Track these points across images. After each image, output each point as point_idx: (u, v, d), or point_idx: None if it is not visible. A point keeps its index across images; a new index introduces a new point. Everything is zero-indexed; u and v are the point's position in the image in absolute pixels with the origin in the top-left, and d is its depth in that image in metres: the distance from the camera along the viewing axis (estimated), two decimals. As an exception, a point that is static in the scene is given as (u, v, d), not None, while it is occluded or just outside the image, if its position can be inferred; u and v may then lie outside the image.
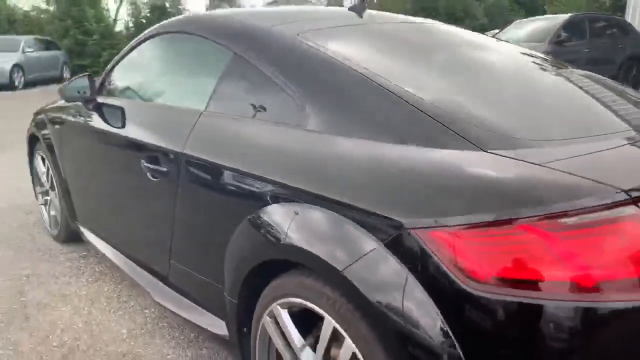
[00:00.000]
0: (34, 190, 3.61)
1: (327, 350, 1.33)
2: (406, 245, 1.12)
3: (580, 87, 1.83)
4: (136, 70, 2.54)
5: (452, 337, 1.05)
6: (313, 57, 1.61)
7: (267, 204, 1.46)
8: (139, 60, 2.48)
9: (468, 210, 1.07)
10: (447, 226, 1.07)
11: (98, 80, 2.64)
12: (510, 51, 2.12)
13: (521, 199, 1.06)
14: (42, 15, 19.54)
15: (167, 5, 17.75)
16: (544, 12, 17.36)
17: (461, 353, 1.04)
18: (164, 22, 2.36)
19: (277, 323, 1.48)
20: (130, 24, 18.32)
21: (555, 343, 1.01)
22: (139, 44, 2.46)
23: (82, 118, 2.62)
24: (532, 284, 1.02)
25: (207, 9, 32.84)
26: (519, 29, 10.12)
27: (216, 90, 1.86)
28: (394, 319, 1.12)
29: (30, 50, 14.25)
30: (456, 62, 1.82)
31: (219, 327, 1.78)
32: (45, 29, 17.87)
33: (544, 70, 1.99)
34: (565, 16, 10.07)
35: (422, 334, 1.09)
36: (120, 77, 2.58)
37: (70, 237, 3.15)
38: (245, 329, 1.65)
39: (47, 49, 15.33)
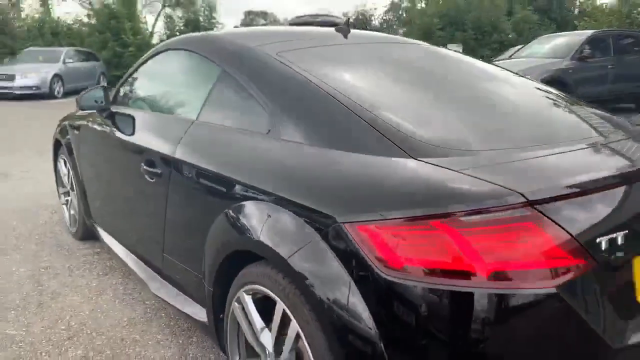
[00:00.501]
0: (57, 191, 3.92)
1: (281, 331, 1.52)
2: (338, 237, 1.30)
3: (531, 100, 1.99)
4: (144, 82, 2.80)
5: (371, 316, 1.22)
6: (284, 74, 1.81)
7: (236, 201, 1.66)
8: (147, 74, 2.74)
9: (388, 209, 1.25)
10: (370, 221, 1.25)
11: (113, 91, 2.92)
12: (471, 66, 2.28)
13: (434, 200, 1.23)
14: (83, 28, 20.49)
15: (201, 19, 18.35)
16: (575, 28, 17.20)
17: (378, 330, 1.21)
18: (169, 40, 2.61)
19: (243, 308, 1.67)
20: (165, 37, 19.01)
21: (450, 320, 1.17)
22: (148, 59, 2.72)
23: (96, 125, 2.90)
24: (439, 273, 1.18)
25: (241, 24, 33.64)
26: (542, 45, 10.11)
27: (206, 101, 2.09)
28: (327, 302, 1.30)
29: (70, 61, 15.00)
30: (417, 79, 1.99)
31: (202, 315, 1.98)
32: (86, 41, 18.74)
33: (498, 83, 2.14)
34: (588, 32, 10.02)
35: (348, 315, 1.26)
36: (130, 88, 2.85)
37: (87, 234, 3.42)
38: (221, 315, 1.84)
39: (86, 60, 16.09)
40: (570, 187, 1.25)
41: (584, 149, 1.52)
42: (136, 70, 2.82)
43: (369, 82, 1.87)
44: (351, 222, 1.27)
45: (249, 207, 1.60)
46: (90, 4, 21.09)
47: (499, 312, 1.16)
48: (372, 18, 19.69)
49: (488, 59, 13.60)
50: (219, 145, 1.89)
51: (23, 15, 23.89)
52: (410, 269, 1.19)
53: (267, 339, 1.58)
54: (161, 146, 2.15)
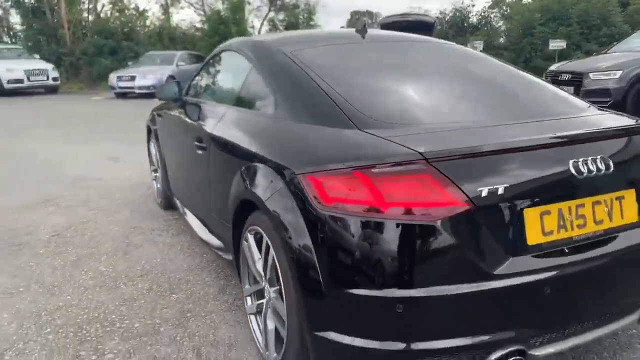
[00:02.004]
0: (150, 169, 4.76)
1: (266, 259, 2.03)
2: (294, 184, 1.77)
3: (497, 84, 2.32)
4: (205, 77, 3.45)
5: (311, 238, 1.68)
6: (288, 67, 2.31)
7: (245, 164, 2.20)
8: (208, 70, 3.39)
9: (327, 163, 1.70)
10: (313, 172, 1.71)
11: (186, 85, 3.61)
12: (461, 57, 2.63)
13: (358, 158, 1.66)
14: (196, 33, 22.45)
15: (300, 22, 19.32)
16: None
17: (313, 247, 1.67)
18: (225, 43, 3.22)
19: (249, 245, 2.21)
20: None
21: (361, 241, 1.59)
22: (211, 58, 3.36)
23: (171, 113, 3.62)
24: (356, 208, 1.61)
25: (347, 24, 34.27)
26: (640, 38, 9.56)
27: (240, 91, 2.66)
28: (286, 230, 1.78)
29: (182, 63, 16.65)
30: (398, 68, 2.38)
31: (229, 255, 2.56)
32: (197, 45, 20.54)
33: (477, 72, 2.46)
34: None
35: (298, 238, 1.73)
36: (196, 82, 3.52)
37: (168, 204, 4.18)
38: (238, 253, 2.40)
39: (196, 62, 17.69)
40: (464, 149, 1.62)
41: (505, 124, 1.86)
42: (203, 67, 3.48)
43: (353, 73, 2.30)
44: (302, 173, 1.75)
45: (250, 167, 2.13)
46: (203, 11, 23.03)
47: (393, 238, 1.57)
48: (470, 15, 19.39)
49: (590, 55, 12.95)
50: (242, 124, 2.45)
51: (147, 22, 26.62)
52: (337, 205, 1.64)
53: (260, 265, 2.11)
54: (207, 127, 2.76)
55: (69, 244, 3.62)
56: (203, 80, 3.48)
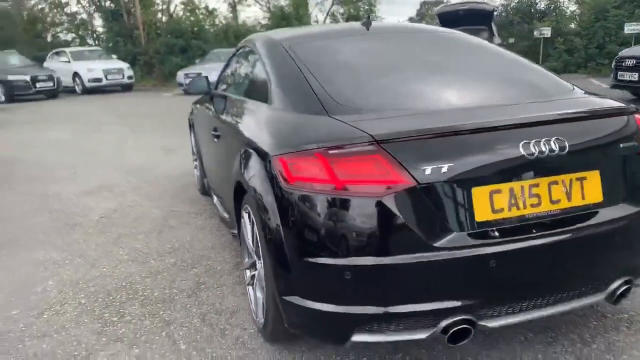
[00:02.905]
0: (192, 158, 5.13)
1: (254, 234, 2.25)
2: (269, 165, 1.98)
3: (478, 69, 2.41)
4: (227, 72, 3.72)
5: (278, 211, 1.88)
6: (283, 59, 2.50)
7: (241, 149, 2.42)
8: (230, 65, 3.65)
9: (295, 146, 1.89)
10: (282, 154, 1.90)
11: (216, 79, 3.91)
12: (453, 45, 2.74)
13: (320, 139, 1.83)
14: (260, 30, 23.10)
15: (361, 14, 19.34)
16: None
17: (279, 219, 1.87)
18: (243, 40, 3.47)
19: (244, 221, 2.44)
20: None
21: (316, 214, 1.77)
22: (234, 54, 3.62)
23: (201, 106, 3.92)
24: (314, 185, 1.79)
25: (416, 14, 33.74)
26: None
27: (248, 82, 2.90)
28: (263, 209, 1.99)
29: (245, 59, 17.23)
30: (386, 59, 2.49)
31: (235, 231, 2.81)
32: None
33: (462, 59, 2.55)
34: None
35: (268, 212, 1.94)
36: (222, 76, 3.80)
37: (205, 190, 4.51)
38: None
39: (259, 58, 18.27)
40: (412, 132, 1.75)
41: (467, 108, 1.97)
42: (228, 62, 3.76)
43: (340, 64, 2.45)
44: (275, 155, 1.95)
45: (244, 152, 2.36)
46: (268, 8, 23.65)
47: (343, 212, 1.74)
48: (537, 0, 18.53)
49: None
50: (244, 114, 2.68)
51: (216, 21, 27.67)
52: (298, 184, 1.83)
53: (251, 240, 2.33)
54: (220, 117, 3.03)
55: (114, 225, 4.03)
56: (226, 75, 3.76)
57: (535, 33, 16.90)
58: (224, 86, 3.70)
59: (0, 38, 22.25)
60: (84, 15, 29.30)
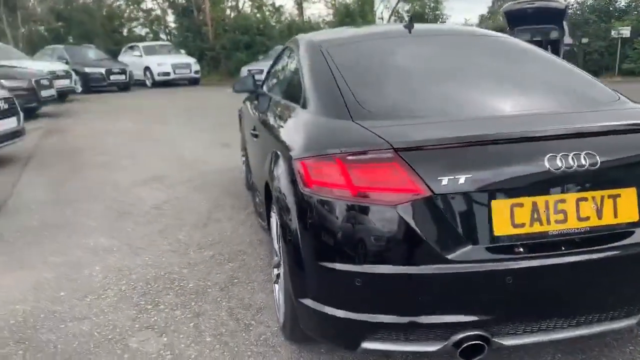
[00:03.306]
0: (241, 154, 5.26)
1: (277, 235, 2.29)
2: (291, 167, 2.00)
3: (510, 73, 2.32)
4: (271, 71, 3.78)
5: (297, 212, 1.91)
6: (318, 61, 2.51)
7: (272, 149, 2.46)
8: (274, 65, 3.71)
9: (313, 150, 1.90)
10: (302, 158, 1.92)
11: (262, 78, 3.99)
12: (491, 52, 2.64)
13: (341, 144, 1.84)
14: (324, 26, 23.22)
15: (427, 11, 19.01)
16: None
17: (298, 219, 1.89)
18: (289, 40, 3.52)
19: (272, 221, 2.49)
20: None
21: (332, 218, 1.78)
22: (279, 54, 3.68)
23: (247, 103, 4.02)
24: (331, 190, 1.80)
25: (488, 10, 32.72)
26: None
27: (286, 83, 2.94)
28: (284, 210, 2.02)
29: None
30: (420, 65, 2.45)
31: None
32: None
33: (490, 60, 2.46)
34: None
35: (288, 211, 1.97)
36: (267, 76, 3.87)
37: (250, 185, 4.62)
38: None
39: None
40: (431, 141, 1.72)
41: (494, 118, 1.91)
42: (274, 62, 3.82)
43: (373, 68, 2.43)
44: (296, 158, 1.97)
45: (274, 153, 2.40)
46: (332, 4, 23.73)
47: (358, 219, 1.74)
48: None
49: None
50: (279, 114, 2.73)
51: (282, 18, 28.09)
52: (316, 188, 1.84)
53: (276, 240, 2.38)
54: (259, 116, 3.09)
55: (162, 215, 4.22)
56: (270, 74, 3.83)
57: (613, 33, 15.91)
58: (268, 86, 3.77)
59: (80, 32, 23.68)
60: (159, 12, 30.60)
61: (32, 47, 21.45)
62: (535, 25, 13.06)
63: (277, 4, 28.60)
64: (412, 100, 2.15)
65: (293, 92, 2.75)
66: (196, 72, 19.66)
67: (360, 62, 2.49)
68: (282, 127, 2.50)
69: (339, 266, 1.77)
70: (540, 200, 1.72)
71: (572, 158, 1.70)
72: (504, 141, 1.73)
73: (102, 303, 2.78)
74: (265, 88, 3.78)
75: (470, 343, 1.72)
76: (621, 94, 2.27)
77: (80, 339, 2.44)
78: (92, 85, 16.82)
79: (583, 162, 1.71)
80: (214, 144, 7.43)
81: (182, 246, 3.55)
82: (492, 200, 1.70)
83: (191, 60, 19.78)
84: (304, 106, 2.38)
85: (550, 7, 12.09)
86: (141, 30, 29.84)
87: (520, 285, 1.70)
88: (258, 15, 25.03)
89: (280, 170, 2.16)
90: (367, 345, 1.79)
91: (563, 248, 1.73)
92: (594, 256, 1.74)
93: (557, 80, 2.38)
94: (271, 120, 2.76)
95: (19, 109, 6.68)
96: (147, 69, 19.03)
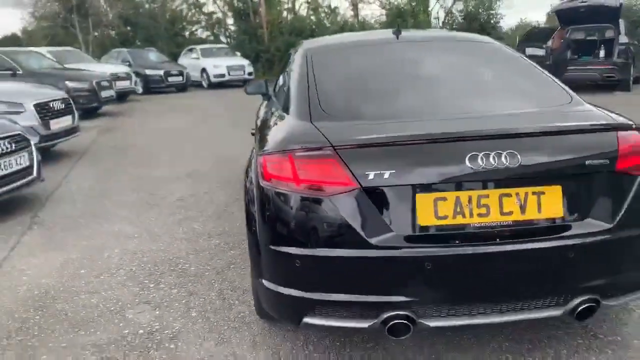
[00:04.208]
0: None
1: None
2: (257, 163, 2.26)
3: (477, 77, 2.47)
4: (281, 76, 4.04)
5: (258, 203, 2.16)
6: (301, 68, 2.74)
7: (254, 146, 2.73)
8: (284, 69, 3.97)
9: (273, 147, 2.15)
10: (263, 153, 2.18)
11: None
12: (463, 52, 2.78)
13: (294, 142, 2.07)
14: (376, 27, 23.32)
15: (481, 11, 18.68)
16: None
17: (259, 209, 2.14)
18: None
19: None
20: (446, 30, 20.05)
21: (281, 207, 2.02)
22: (287, 58, 3.94)
23: (261, 105, 4.31)
24: (281, 183, 2.04)
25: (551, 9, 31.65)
26: None
27: (279, 86, 3.20)
28: (249, 201, 2.29)
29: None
30: (388, 69, 2.62)
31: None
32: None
33: (466, 73, 2.61)
34: None
35: (251, 202, 2.23)
36: (277, 80, 4.14)
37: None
38: None
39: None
40: (364, 140, 1.93)
41: (433, 119, 2.09)
42: (284, 66, 4.09)
43: (343, 73, 2.63)
44: (259, 155, 2.23)
45: (252, 150, 2.66)
46: (384, 5, 23.80)
47: (299, 208, 1.97)
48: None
49: None
50: (269, 117, 2.99)
51: (338, 19, 28.40)
52: (272, 181, 2.08)
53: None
54: (257, 118, 3.37)
55: (184, 207, 4.60)
56: (280, 79, 4.10)
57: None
58: (274, 89, 4.05)
59: (146, 36, 25.04)
60: (220, 15, 31.76)
61: (103, 50, 22.91)
62: (588, 25, 12.62)
63: (332, 6, 29.03)
64: (368, 103, 2.35)
65: (282, 95, 3.01)
66: (249, 73, 20.29)
67: (335, 68, 2.70)
68: (263, 127, 2.76)
69: (283, 249, 2.01)
70: (463, 195, 1.89)
71: (494, 157, 1.86)
72: (427, 141, 1.92)
73: (112, 280, 3.15)
74: (271, 91, 4.06)
75: (397, 322, 1.91)
76: (579, 97, 2.36)
77: (87, 309, 2.81)
78: (152, 87, 17.77)
79: (504, 161, 1.86)
80: (250, 142, 7.78)
81: (194, 235, 3.89)
82: (417, 194, 1.88)
83: (245, 62, 20.44)
84: (285, 110, 2.61)
85: (603, 4, 11.62)
86: (202, 34, 31.08)
87: (440, 271, 1.88)
88: (313, 17, 25.44)
89: (252, 166, 2.43)
90: (308, 320, 2.02)
91: (484, 239, 1.89)
92: (517, 248, 1.89)
93: (517, 84, 2.50)
94: (259, 122, 3.03)
95: (74, 108, 7.35)
96: (203, 70, 19.85)
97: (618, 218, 1.94)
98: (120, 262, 3.44)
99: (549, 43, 12.21)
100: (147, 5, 29.32)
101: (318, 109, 2.28)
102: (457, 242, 1.88)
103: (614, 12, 11.71)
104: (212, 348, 2.40)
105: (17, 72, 10.67)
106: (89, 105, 11.35)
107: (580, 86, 12.58)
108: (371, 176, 1.88)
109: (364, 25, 24.30)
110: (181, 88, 18.54)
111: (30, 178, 4.70)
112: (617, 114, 2.22)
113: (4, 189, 4.33)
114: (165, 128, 9.72)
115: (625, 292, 2.05)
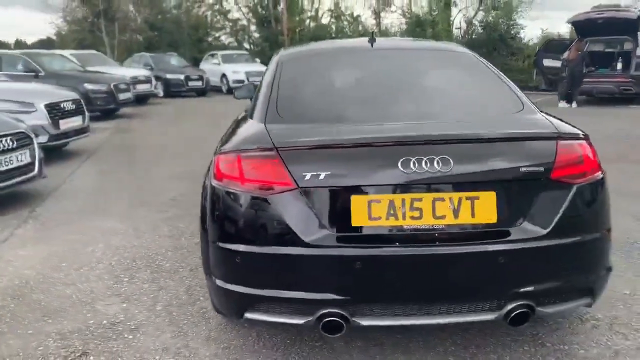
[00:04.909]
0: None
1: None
2: (212, 163, 2.35)
3: (432, 85, 2.51)
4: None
5: (208, 200, 2.25)
6: (271, 74, 2.81)
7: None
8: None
9: (226, 148, 2.24)
10: (217, 154, 2.27)
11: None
12: (426, 60, 2.82)
13: (243, 143, 2.16)
14: (394, 35, 23.36)
15: (501, 22, 18.53)
16: None
17: (208, 206, 2.23)
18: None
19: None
20: (461, 43, 19.93)
21: (230, 205, 2.09)
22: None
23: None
24: (229, 181, 2.13)
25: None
26: None
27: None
28: (204, 194, 2.37)
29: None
30: (351, 77, 2.69)
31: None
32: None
33: (420, 73, 2.66)
34: None
35: (203, 200, 2.31)
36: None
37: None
38: None
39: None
40: (304, 142, 2.00)
41: (374, 124, 2.15)
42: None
43: (305, 79, 2.70)
44: (215, 155, 2.32)
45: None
46: (404, 14, 23.77)
47: (241, 206, 2.05)
48: None
49: None
50: (237, 120, 3.07)
51: (359, 27, 28.52)
52: (223, 180, 2.17)
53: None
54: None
55: (175, 206, 4.73)
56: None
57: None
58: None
59: (168, 41, 25.56)
60: (244, 22, 32.24)
61: (129, 55, 23.44)
62: (606, 37, 12.44)
63: (355, 14, 29.16)
64: (322, 107, 2.43)
65: (253, 100, 3.10)
66: (268, 79, 20.51)
67: (300, 74, 2.77)
68: (227, 130, 2.84)
69: (226, 246, 2.09)
70: (397, 198, 1.94)
71: (426, 162, 1.91)
72: (361, 145, 1.98)
73: (90, 273, 3.28)
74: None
75: (331, 319, 1.97)
76: (532, 106, 2.38)
77: (61, 299, 2.94)
78: (172, 90, 18.15)
79: (437, 166, 1.91)
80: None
81: (178, 233, 4.00)
82: (352, 195, 1.95)
83: (264, 68, 20.48)
84: (250, 114, 2.68)
85: (620, 17, 11.45)
86: (226, 40, 31.56)
87: (372, 271, 1.93)
88: (334, 25, 25.63)
89: (210, 163, 2.52)
90: (248, 315, 2.10)
91: (417, 242, 1.94)
92: (449, 251, 1.93)
93: (474, 92, 2.54)
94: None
95: (84, 109, 7.59)
96: (223, 75, 20.16)
97: (552, 225, 1.96)
98: (102, 256, 3.56)
99: (565, 54, 12.05)
100: (174, 11, 29.96)
101: (274, 113, 2.36)
102: (389, 243, 1.94)
103: (632, 24, 11.53)
104: (168, 340, 2.49)
105: (40, 73, 11.09)
106: (106, 106, 11.69)
107: (596, 99, 12.41)
108: (308, 177, 1.95)
109: (386, 34, 24.35)
110: (201, 92, 18.87)
111: (31, 175, 4.90)
112: (569, 124, 2.25)
113: (4, 184, 4.52)
114: (177, 130, 9.94)
115: (562, 301, 2.07)
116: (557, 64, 12.75)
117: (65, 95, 7.35)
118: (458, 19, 22.76)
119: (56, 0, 26.92)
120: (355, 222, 1.94)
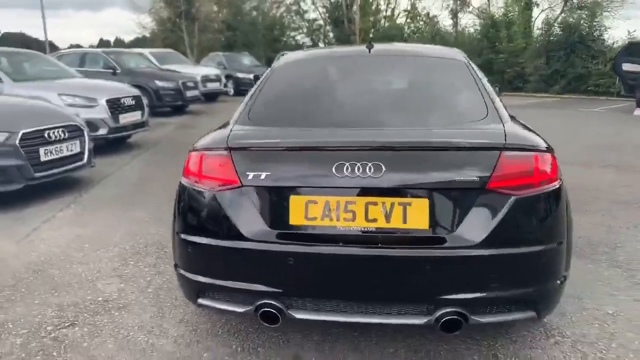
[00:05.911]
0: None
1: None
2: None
3: (406, 93, 2.57)
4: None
5: (176, 196, 2.45)
6: (263, 80, 2.97)
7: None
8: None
9: (197, 146, 2.42)
10: (190, 152, 2.46)
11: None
12: (416, 68, 2.84)
13: (209, 143, 2.34)
14: (469, 36, 22.72)
15: (582, 23, 17.46)
16: None
17: (175, 201, 2.43)
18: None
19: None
20: (538, 44, 18.95)
21: (196, 201, 2.27)
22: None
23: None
24: (192, 177, 2.31)
25: None
26: None
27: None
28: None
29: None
30: (339, 82, 2.78)
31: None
32: (464, 47, 20.80)
33: (407, 88, 2.70)
34: None
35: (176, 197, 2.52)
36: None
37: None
38: None
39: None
40: (252, 144, 2.14)
41: (330, 129, 2.24)
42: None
43: (292, 83, 2.81)
44: (189, 152, 2.51)
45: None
46: (479, 15, 23.07)
47: (195, 200, 2.23)
48: None
49: None
50: None
51: (435, 28, 28.05)
52: (188, 176, 2.36)
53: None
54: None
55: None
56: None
57: None
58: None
59: (244, 41, 26.57)
60: (321, 22, 32.77)
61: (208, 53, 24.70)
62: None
63: (431, 14, 28.72)
64: (289, 111, 2.54)
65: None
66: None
67: (286, 79, 2.90)
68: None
69: (184, 237, 2.28)
70: (332, 200, 2.03)
71: (359, 167, 1.99)
72: (299, 149, 2.09)
73: (104, 255, 3.62)
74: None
75: (268, 310, 2.10)
76: (498, 114, 2.35)
77: (71, 276, 3.28)
78: (242, 89, 18.85)
79: (368, 171, 1.98)
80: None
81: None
82: (291, 196, 2.06)
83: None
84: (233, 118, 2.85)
85: None
86: (301, 40, 32.24)
87: (303, 268, 2.04)
88: (408, 26, 25.41)
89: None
90: (201, 301, 2.28)
91: (348, 242, 2.02)
92: (378, 253, 2.00)
93: (444, 100, 2.55)
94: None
95: (144, 104, 8.16)
96: (292, 75, 20.66)
97: (486, 236, 1.97)
98: (120, 240, 3.90)
99: (646, 59, 11.23)
100: (254, 13, 31.06)
101: (245, 116, 2.52)
102: (322, 242, 2.03)
103: None
104: (147, 319, 2.73)
105: (117, 70, 11.99)
106: (174, 103, 12.43)
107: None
108: (250, 176, 2.09)
109: (456, 35, 23.78)
110: (268, 91, 19.46)
111: (79, 163, 5.40)
112: (535, 136, 2.21)
113: (53, 171, 5.04)
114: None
115: (498, 312, 2.06)
116: (638, 68, 11.89)
117: (126, 92, 7.95)
118: (540, 20, 21.74)
119: (144, 1, 28.91)
120: (293, 221, 2.06)
